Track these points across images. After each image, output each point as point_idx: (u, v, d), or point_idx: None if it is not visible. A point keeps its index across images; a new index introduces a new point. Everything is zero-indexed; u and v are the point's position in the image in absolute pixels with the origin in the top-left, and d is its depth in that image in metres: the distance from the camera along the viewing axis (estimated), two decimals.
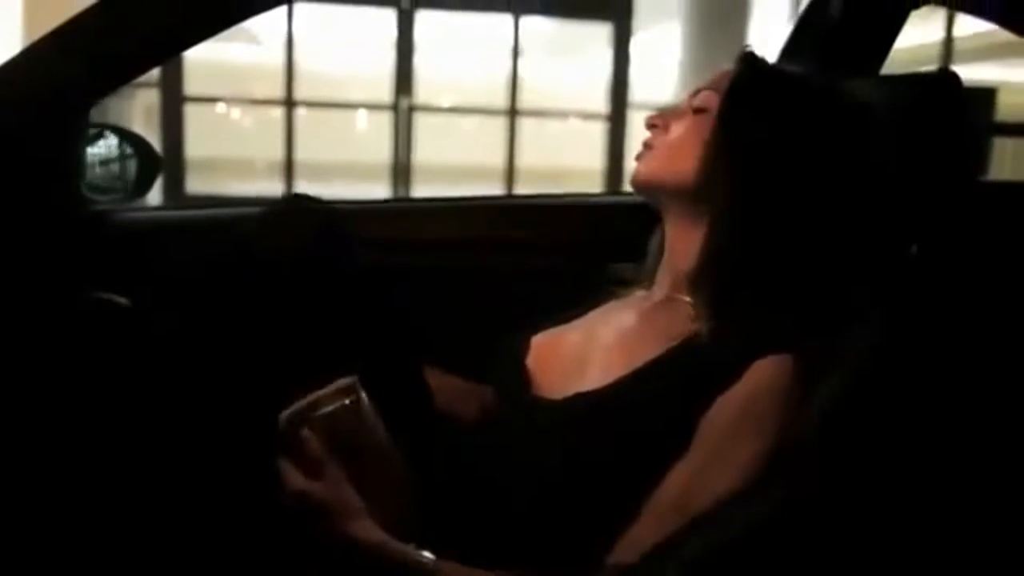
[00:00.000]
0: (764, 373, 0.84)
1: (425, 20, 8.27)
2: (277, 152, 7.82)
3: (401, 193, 8.97)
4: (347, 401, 0.82)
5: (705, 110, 0.96)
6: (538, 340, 1.07)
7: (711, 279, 0.91)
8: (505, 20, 8.82)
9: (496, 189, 8.62)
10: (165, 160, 6.56)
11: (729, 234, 0.90)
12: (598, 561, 0.83)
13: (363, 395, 0.83)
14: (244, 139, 8.52)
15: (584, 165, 8.68)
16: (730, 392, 0.84)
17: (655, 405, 0.87)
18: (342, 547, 0.77)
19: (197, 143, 7.57)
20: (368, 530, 0.78)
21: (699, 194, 0.93)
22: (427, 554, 0.80)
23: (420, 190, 8.88)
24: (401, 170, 9.03)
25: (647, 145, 1.00)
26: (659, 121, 1.00)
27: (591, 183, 8.22)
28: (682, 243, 0.96)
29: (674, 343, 0.90)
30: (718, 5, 7.58)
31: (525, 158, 8.63)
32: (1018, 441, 0.91)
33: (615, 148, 9.01)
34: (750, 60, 0.97)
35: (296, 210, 0.98)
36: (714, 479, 0.82)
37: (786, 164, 0.90)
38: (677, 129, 0.97)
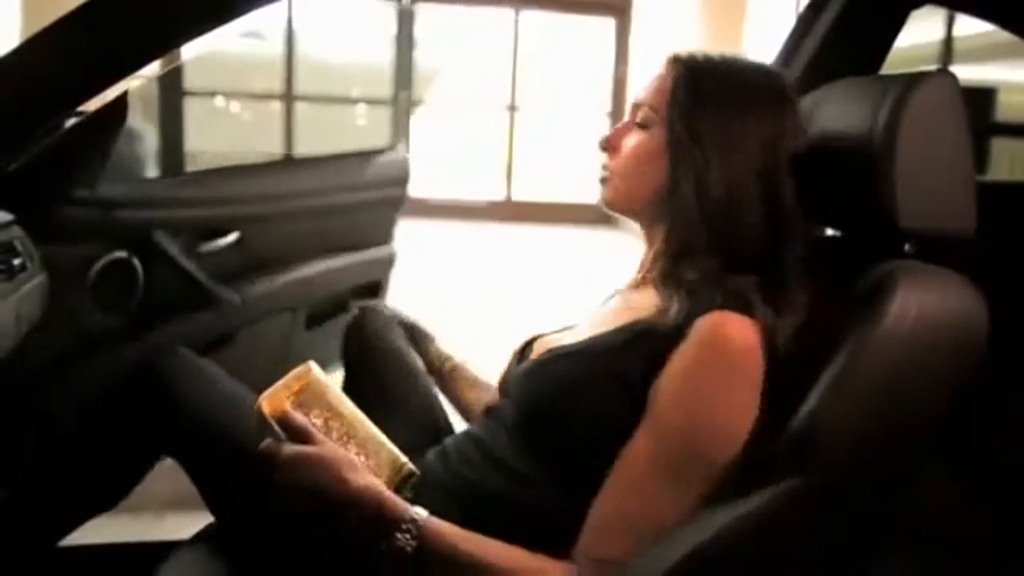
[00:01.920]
0: (703, 327, 0.87)
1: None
2: (276, 146, 7.82)
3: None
4: (307, 382, 0.93)
5: (647, 125, 1.02)
6: (541, 339, 1.15)
7: (673, 262, 0.97)
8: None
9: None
10: (163, 153, 6.53)
11: (687, 225, 0.96)
12: (569, 530, 0.87)
13: (318, 374, 0.95)
14: (243, 132, 8.50)
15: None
16: (675, 354, 0.87)
17: (610, 365, 0.91)
18: (344, 495, 0.84)
19: (196, 136, 7.56)
20: (367, 479, 0.86)
21: (662, 202, 0.99)
22: (421, 512, 0.87)
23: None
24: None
25: (605, 167, 1.06)
26: (610, 143, 1.05)
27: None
28: (653, 236, 1.05)
29: (639, 317, 0.95)
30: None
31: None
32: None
33: None
34: (682, 64, 1.01)
35: None
36: (670, 439, 0.86)
37: (735, 152, 0.95)
38: (628, 149, 1.03)
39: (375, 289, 2.21)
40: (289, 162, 2.02)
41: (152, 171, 3.20)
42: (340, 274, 2.06)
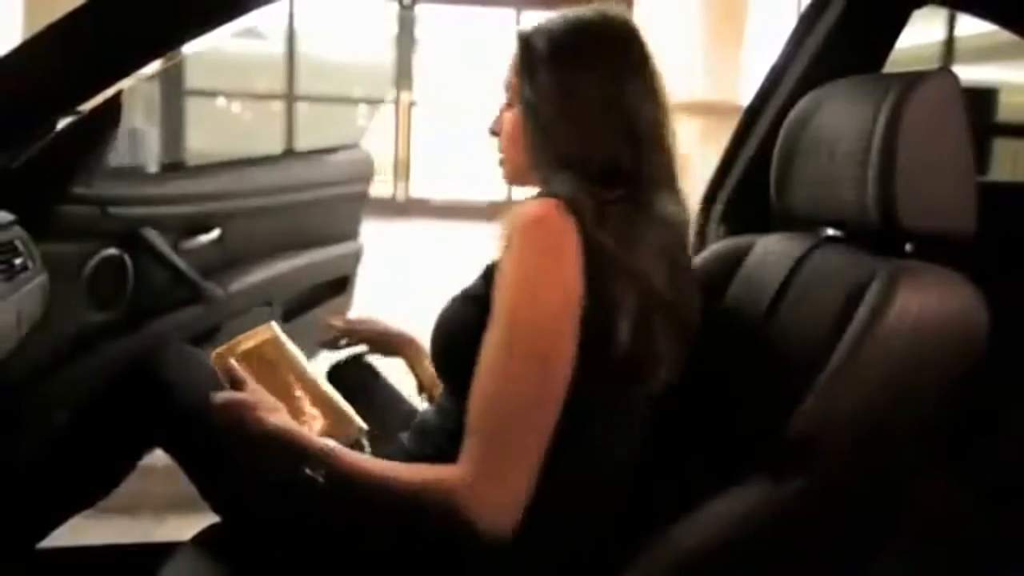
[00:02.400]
0: (515, 216, 0.94)
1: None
2: (277, 146, 7.82)
3: (400, 187, 8.98)
4: (268, 337, 1.09)
5: (512, 103, 1.11)
6: None
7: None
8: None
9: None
10: (165, 153, 6.55)
11: (551, 175, 1.03)
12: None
13: (280, 334, 1.10)
14: (244, 132, 8.51)
15: None
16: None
17: (471, 290, 1.02)
18: (262, 433, 0.96)
19: (197, 136, 7.56)
20: (282, 420, 0.98)
21: (538, 164, 1.06)
22: (330, 441, 0.96)
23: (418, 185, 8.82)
24: (400, 163, 9.04)
25: (499, 151, 1.16)
26: (494, 129, 1.16)
27: None
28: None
29: None
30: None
31: None
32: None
33: None
34: (520, 37, 1.09)
35: None
36: (503, 320, 0.92)
37: (575, 99, 1.02)
38: (504, 129, 1.13)
39: (344, 283, 2.28)
40: (263, 159, 2.08)
41: (153, 169, 3.23)
42: (313, 269, 2.14)
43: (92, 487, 1.33)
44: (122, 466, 1.32)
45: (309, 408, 1.04)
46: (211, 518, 1.23)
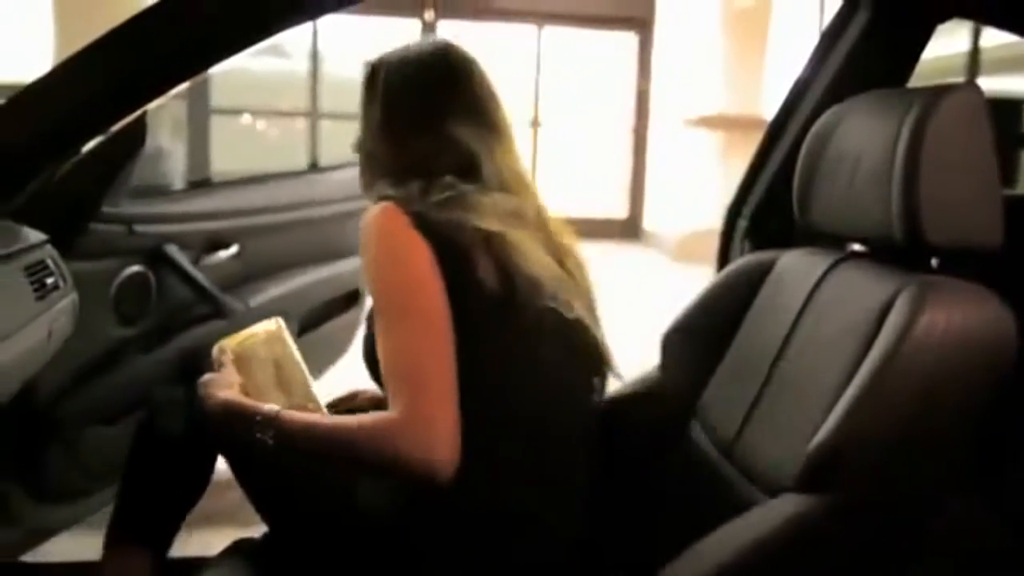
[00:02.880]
0: (362, 225, 1.09)
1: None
2: (302, 162, 7.88)
3: None
4: (271, 330, 1.21)
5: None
6: None
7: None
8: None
9: None
10: (191, 170, 6.61)
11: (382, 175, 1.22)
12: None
13: (283, 329, 1.21)
14: (269, 149, 8.59)
15: None
16: None
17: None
18: (216, 404, 1.10)
19: (223, 153, 7.64)
20: (234, 395, 1.11)
21: (371, 176, 1.25)
22: (275, 406, 1.07)
23: None
24: None
25: None
26: (353, 146, 1.30)
27: None
28: None
29: None
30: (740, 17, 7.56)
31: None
32: None
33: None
34: (365, 69, 1.25)
35: None
36: (378, 304, 1.07)
37: (396, 118, 1.21)
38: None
39: (356, 296, 2.32)
40: (279, 176, 2.12)
41: (178, 187, 3.28)
42: (328, 282, 2.18)
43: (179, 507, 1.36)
44: (200, 477, 1.35)
45: (298, 400, 1.15)
46: (238, 532, 1.24)
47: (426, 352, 1.03)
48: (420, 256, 1.06)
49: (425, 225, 1.07)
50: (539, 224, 1.22)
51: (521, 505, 1.10)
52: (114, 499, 1.34)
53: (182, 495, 1.34)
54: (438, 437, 0.99)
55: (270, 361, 1.19)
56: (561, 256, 1.21)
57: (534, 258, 1.13)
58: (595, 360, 1.19)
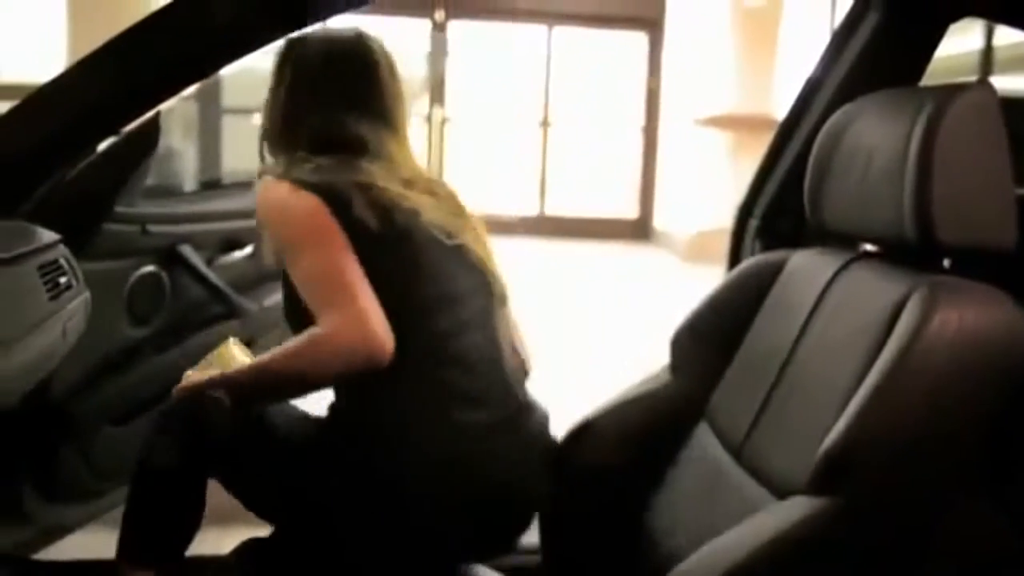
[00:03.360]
0: (258, 201, 1.25)
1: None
2: None
3: None
4: (221, 350, 1.37)
5: None
6: None
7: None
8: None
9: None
10: (203, 170, 6.64)
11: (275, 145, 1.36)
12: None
13: (235, 347, 1.37)
14: None
15: None
16: None
17: None
18: (177, 394, 1.26)
19: (233, 153, 7.66)
20: (187, 380, 1.27)
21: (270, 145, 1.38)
22: (215, 371, 1.25)
23: None
24: None
25: None
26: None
27: None
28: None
29: None
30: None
31: None
32: None
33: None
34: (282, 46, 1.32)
35: None
36: (286, 251, 1.22)
37: (294, 95, 1.31)
38: None
39: None
40: None
41: (191, 187, 3.29)
42: None
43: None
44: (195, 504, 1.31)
45: None
46: (250, 531, 1.25)
47: (343, 264, 1.16)
48: (309, 201, 1.19)
49: (304, 183, 1.20)
50: (443, 199, 1.33)
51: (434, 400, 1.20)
52: (121, 521, 1.32)
53: (185, 519, 1.31)
54: (375, 325, 1.12)
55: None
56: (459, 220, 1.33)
57: (416, 200, 1.25)
58: (483, 274, 1.31)
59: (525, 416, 1.27)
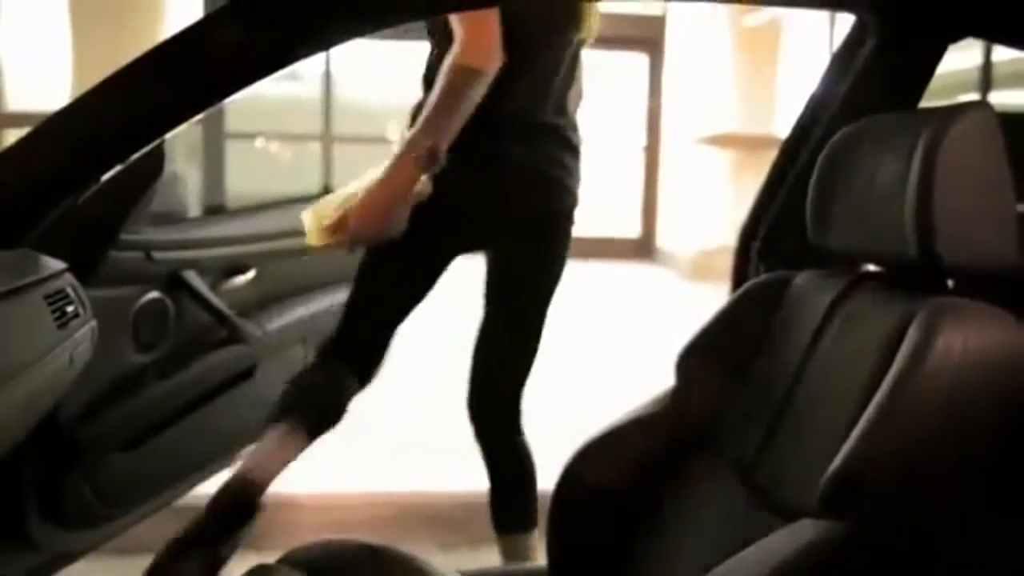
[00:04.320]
0: None
1: None
2: (315, 186, 7.94)
3: None
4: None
5: None
6: None
7: None
8: None
9: None
10: (207, 195, 6.67)
11: None
12: None
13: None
14: (283, 173, 8.65)
15: None
16: None
17: None
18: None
19: (237, 177, 7.70)
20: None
21: None
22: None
23: None
24: None
25: None
26: None
27: None
28: None
29: None
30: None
31: None
32: None
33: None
34: None
35: None
36: None
37: None
38: None
39: None
40: (298, 201, 2.14)
41: (195, 213, 3.32)
42: (342, 304, 2.15)
43: None
44: None
45: None
46: (255, 559, 1.24)
47: None
48: None
49: None
50: None
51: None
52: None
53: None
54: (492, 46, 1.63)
55: None
56: None
57: None
58: None
59: None
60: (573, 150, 1.89)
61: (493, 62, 1.66)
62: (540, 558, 1.31)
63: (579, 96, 1.97)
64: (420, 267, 1.82)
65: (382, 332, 1.81)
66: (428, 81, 1.79)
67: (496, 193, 1.78)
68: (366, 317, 1.82)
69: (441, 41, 1.75)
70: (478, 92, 1.66)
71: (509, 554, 2.00)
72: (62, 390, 1.27)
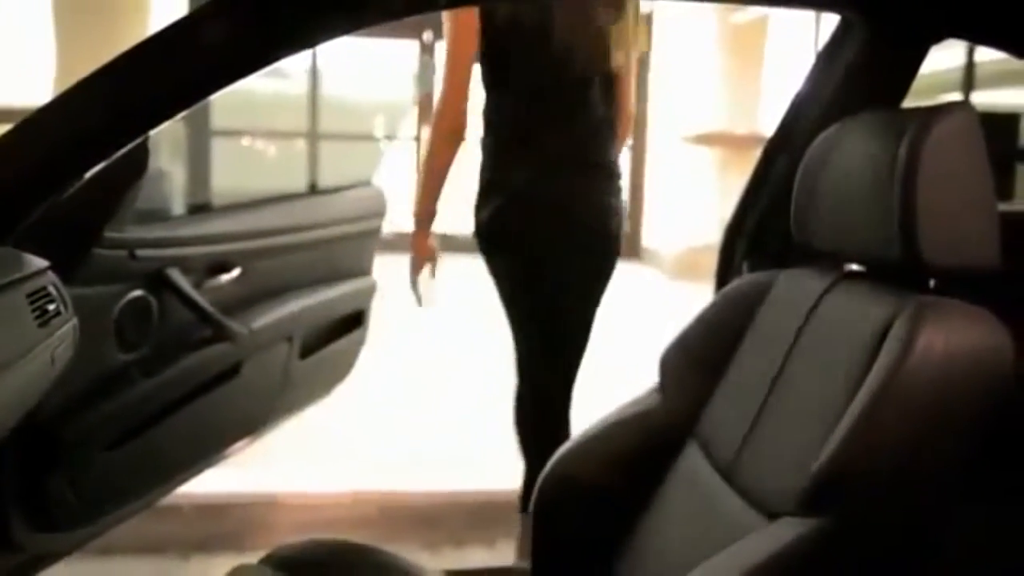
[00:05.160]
0: None
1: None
2: (301, 183, 7.92)
3: None
4: None
5: None
6: None
7: None
8: None
9: None
10: (192, 192, 6.64)
11: None
12: None
13: None
14: (269, 170, 8.62)
15: None
16: None
17: None
18: None
19: (223, 174, 7.66)
20: None
21: None
22: None
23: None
24: None
25: None
26: None
27: None
28: None
29: None
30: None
31: None
32: None
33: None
34: None
35: None
36: None
37: None
38: None
39: (360, 317, 2.30)
40: (282, 198, 2.14)
41: (180, 210, 3.30)
42: (330, 304, 2.18)
43: None
44: None
45: None
46: (237, 559, 1.24)
47: None
48: None
49: None
50: None
51: None
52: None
53: None
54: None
55: None
56: None
57: None
58: None
59: None
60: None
61: (459, 128, 2.10)
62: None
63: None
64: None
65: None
66: (487, 119, 2.17)
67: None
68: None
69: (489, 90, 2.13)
70: (452, 153, 2.13)
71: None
72: (43, 389, 1.26)
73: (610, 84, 2.13)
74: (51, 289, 1.28)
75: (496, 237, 2.12)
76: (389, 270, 2.37)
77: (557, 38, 2.01)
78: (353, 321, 2.31)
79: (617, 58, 2.11)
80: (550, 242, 2.07)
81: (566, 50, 2.02)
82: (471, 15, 2.00)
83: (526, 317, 2.18)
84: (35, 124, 1.07)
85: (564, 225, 2.07)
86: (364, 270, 2.31)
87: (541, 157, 2.07)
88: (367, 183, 2.31)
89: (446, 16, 2.00)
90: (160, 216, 2.08)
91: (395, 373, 3.78)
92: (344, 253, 2.24)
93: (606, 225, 2.11)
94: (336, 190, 2.25)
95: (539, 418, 2.22)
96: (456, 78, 2.03)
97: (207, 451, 1.92)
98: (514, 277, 2.15)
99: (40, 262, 1.26)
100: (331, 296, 2.19)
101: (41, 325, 1.21)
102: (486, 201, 2.14)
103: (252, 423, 2.00)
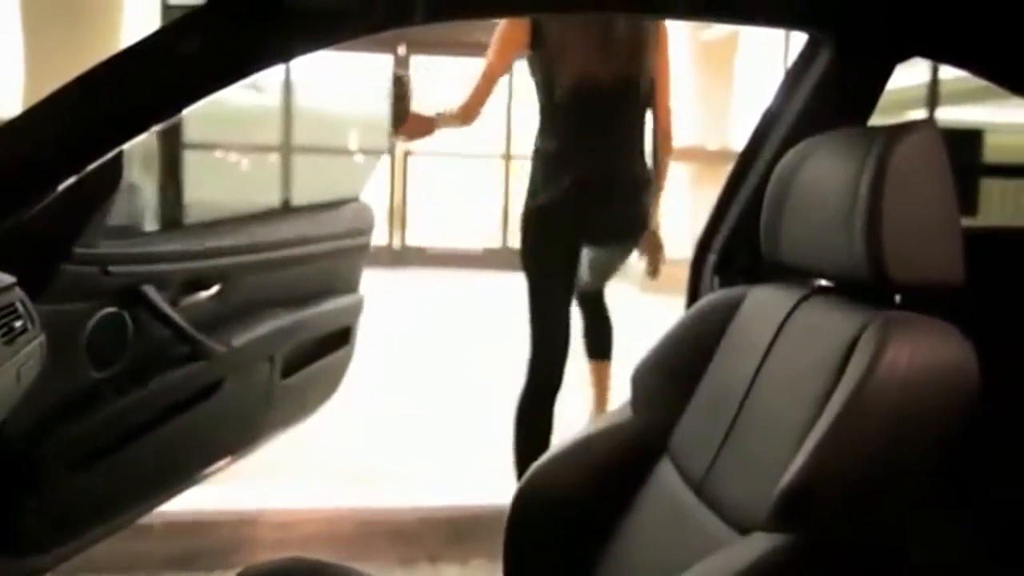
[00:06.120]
0: None
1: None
2: (274, 196, 7.87)
3: (397, 235, 9.02)
4: None
5: None
6: None
7: None
8: None
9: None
10: (164, 206, 6.57)
11: None
12: None
13: None
14: (242, 183, 8.56)
15: None
16: None
17: None
18: None
19: (196, 188, 7.60)
20: None
21: None
22: None
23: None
24: (397, 212, 9.09)
25: None
26: None
27: None
28: None
29: None
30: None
31: None
32: None
33: None
34: None
35: None
36: None
37: None
38: None
39: (346, 335, 2.27)
40: (264, 215, 2.11)
41: (152, 224, 3.26)
42: (314, 321, 2.13)
43: None
44: None
45: None
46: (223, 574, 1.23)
47: None
48: None
49: None
50: None
51: None
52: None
53: None
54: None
55: None
56: None
57: None
58: None
59: None
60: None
61: (471, 119, 2.81)
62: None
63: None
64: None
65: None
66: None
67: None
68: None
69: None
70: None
71: (598, 372, 2.98)
72: (9, 406, 1.25)
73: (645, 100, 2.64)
74: (18, 305, 1.26)
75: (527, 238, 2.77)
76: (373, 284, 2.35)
77: (589, 55, 2.31)
78: (339, 338, 2.27)
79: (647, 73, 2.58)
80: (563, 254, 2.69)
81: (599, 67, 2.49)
82: (522, 32, 2.62)
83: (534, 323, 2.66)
84: (5, 135, 1.06)
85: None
86: (351, 287, 2.27)
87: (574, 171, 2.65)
88: (355, 199, 2.28)
89: (497, 30, 2.54)
90: (133, 232, 2.06)
91: (373, 387, 3.77)
92: (330, 269, 2.20)
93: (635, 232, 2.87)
94: (325, 206, 2.22)
95: (542, 416, 2.43)
96: (486, 82, 2.73)
97: (185, 471, 1.89)
98: (529, 278, 2.70)
99: (6, 278, 1.25)
100: (316, 313, 2.14)
101: (7, 343, 1.19)
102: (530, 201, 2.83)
103: (232, 443, 1.97)
